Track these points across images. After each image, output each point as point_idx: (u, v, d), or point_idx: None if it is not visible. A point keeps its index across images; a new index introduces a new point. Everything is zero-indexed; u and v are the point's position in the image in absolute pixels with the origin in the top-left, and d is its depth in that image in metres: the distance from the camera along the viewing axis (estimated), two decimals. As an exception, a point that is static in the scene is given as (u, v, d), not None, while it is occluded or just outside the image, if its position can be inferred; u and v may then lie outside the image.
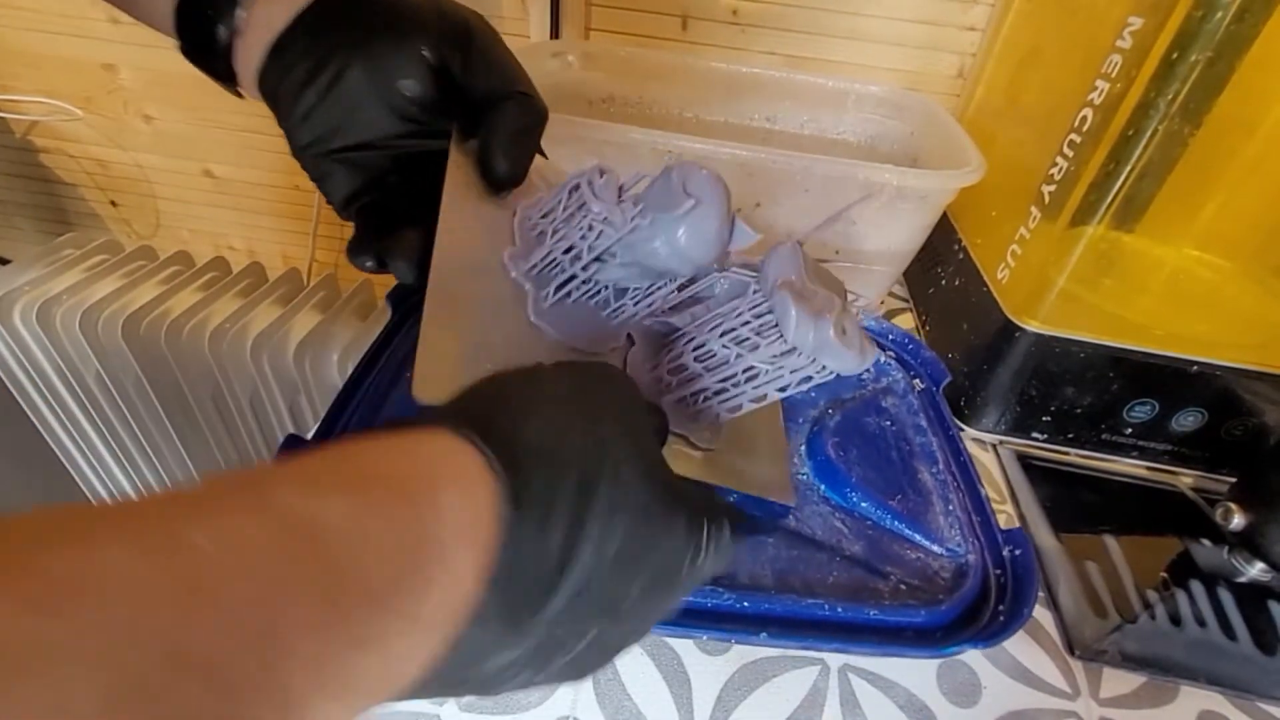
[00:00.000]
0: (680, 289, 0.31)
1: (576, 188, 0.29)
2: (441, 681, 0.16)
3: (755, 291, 0.28)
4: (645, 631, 0.21)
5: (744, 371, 0.28)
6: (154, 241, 0.92)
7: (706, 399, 0.30)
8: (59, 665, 0.09)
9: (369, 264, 0.28)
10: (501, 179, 0.29)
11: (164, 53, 0.83)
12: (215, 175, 0.86)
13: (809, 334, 0.26)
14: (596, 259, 0.28)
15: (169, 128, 0.82)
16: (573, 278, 0.29)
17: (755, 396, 0.29)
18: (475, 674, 0.17)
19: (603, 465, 0.17)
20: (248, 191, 0.87)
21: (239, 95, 0.29)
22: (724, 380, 0.29)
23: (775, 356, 0.27)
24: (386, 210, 0.28)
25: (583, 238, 0.28)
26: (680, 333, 0.31)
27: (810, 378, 0.28)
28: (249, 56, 0.27)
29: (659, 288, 0.30)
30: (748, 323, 0.27)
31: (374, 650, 0.13)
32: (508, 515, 0.15)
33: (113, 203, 0.92)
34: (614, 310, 0.31)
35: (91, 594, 0.10)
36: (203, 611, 0.11)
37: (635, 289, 0.31)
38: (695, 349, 0.29)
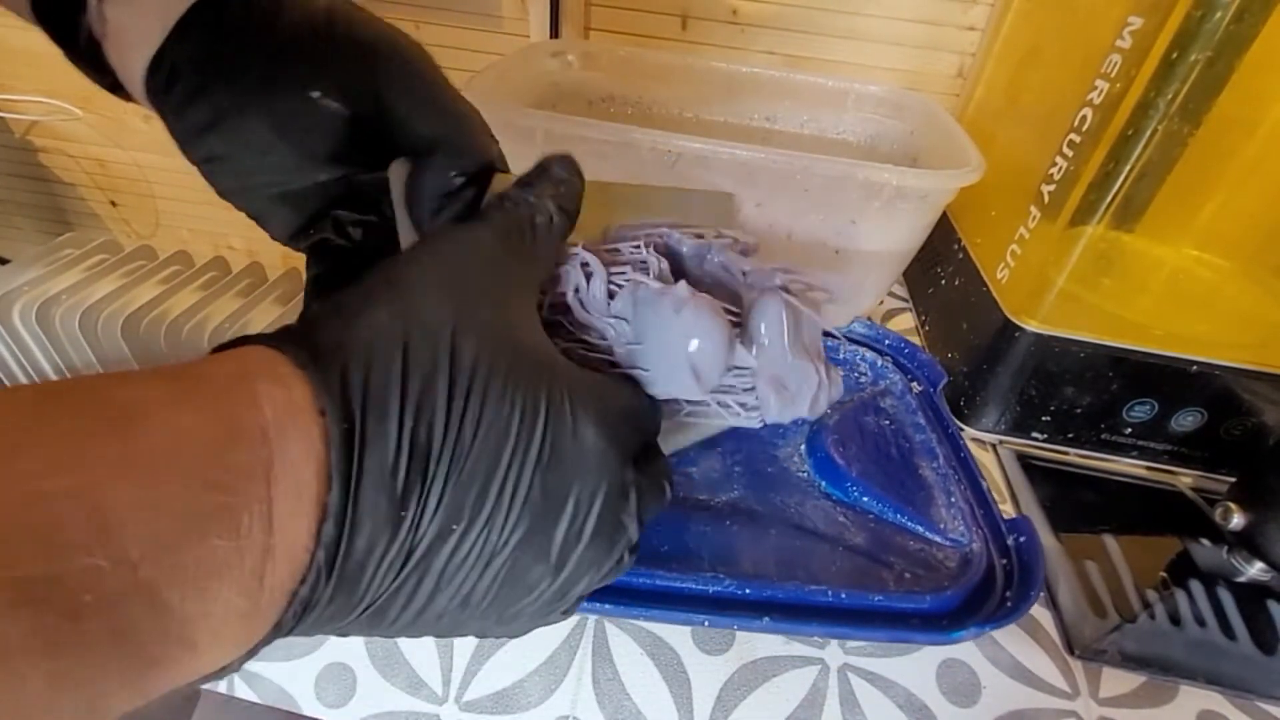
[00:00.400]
0: None
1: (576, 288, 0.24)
2: (345, 598, 0.16)
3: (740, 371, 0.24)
4: (591, 545, 0.19)
5: (719, 405, 0.25)
6: (153, 241, 0.92)
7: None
8: None
9: None
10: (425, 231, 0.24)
11: (163, 52, 0.82)
12: (215, 175, 0.86)
13: (787, 414, 0.24)
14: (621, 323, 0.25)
15: (168, 127, 0.82)
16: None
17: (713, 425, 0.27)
18: (381, 589, 0.16)
19: (436, 338, 0.17)
20: (247, 191, 0.87)
21: (131, 99, 0.25)
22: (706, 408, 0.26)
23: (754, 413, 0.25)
24: (340, 249, 0.25)
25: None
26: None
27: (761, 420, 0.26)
28: (125, 65, 0.23)
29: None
30: (739, 399, 0.25)
31: (219, 529, 0.13)
32: (328, 407, 0.15)
33: (112, 202, 0.92)
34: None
35: None
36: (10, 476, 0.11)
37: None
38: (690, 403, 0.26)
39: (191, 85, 0.22)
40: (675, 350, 0.21)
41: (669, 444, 0.26)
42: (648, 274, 0.23)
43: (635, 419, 0.21)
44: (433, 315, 0.17)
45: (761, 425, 0.25)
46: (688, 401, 0.24)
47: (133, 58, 0.22)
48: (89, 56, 0.24)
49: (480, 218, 0.20)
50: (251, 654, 0.15)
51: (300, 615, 0.15)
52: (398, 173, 0.24)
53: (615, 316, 0.23)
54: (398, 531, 0.16)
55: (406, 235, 0.24)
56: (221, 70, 0.22)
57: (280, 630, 0.15)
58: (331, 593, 0.15)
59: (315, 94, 0.22)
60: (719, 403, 0.24)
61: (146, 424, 0.13)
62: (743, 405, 0.24)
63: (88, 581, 0.11)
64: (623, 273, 0.23)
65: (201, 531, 0.13)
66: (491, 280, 0.19)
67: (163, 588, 0.12)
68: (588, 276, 0.23)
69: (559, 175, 0.22)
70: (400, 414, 0.16)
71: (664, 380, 0.22)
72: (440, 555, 0.17)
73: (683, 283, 0.22)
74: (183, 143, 0.23)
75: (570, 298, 0.23)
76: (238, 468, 0.13)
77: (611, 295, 0.23)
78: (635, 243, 0.24)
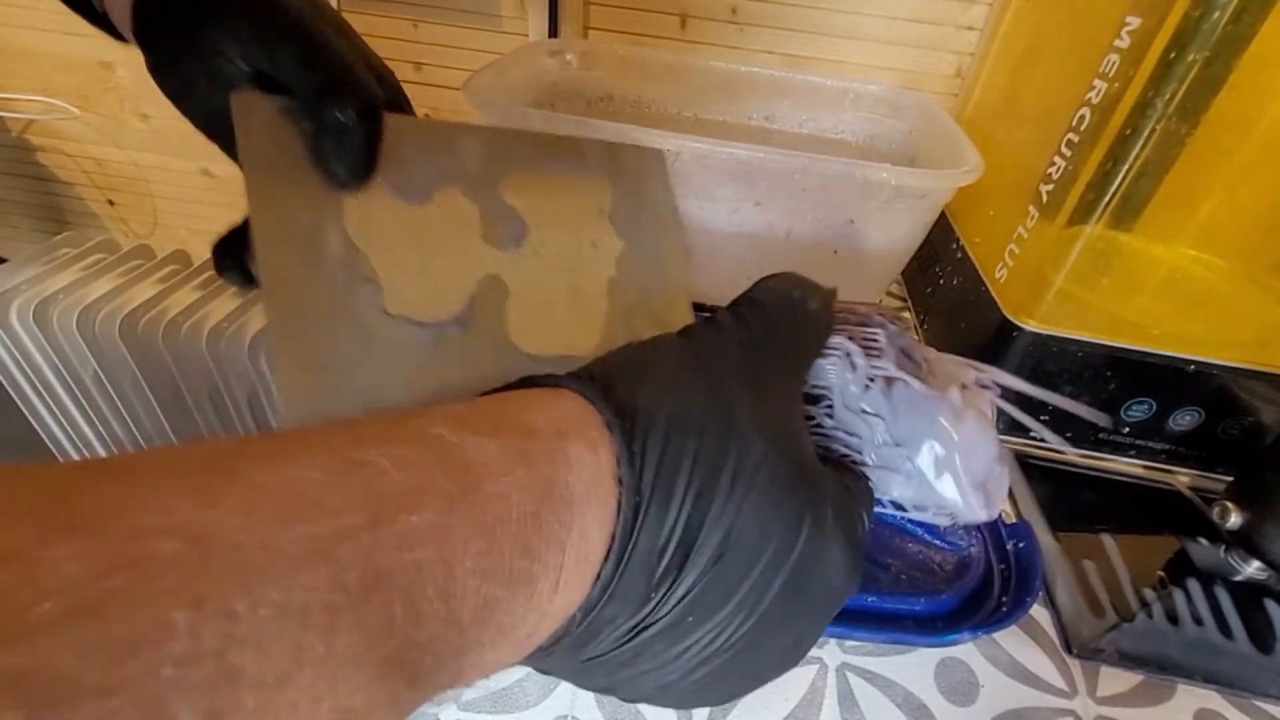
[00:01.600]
0: None
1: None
2: (571, 652, 0.16)
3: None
4: (798, 649, 0.19)
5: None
6: (151, 240, 0.92)
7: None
8: (289, 569, 0.10)
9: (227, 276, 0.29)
10: (345, 182, 0.26)
11: (161, 51, 0.81)
12: (213, 174, 0.86)
13: (986, 514, 0.22)
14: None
15: (166, 126, 0.82)
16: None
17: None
18: (600, 650, 0.16)
19: (730, 430, 0.16)
20: (245, 190, 0.87)
21: (124, 40, 0.30)
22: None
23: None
24: None
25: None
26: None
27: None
28: (119, 19, 0.28)
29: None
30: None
31: (523, 593, 0.13)
32: (626, 477, 0.15)
33: (110, 201, 0.92)
34: None
35: (304, 505, 0.11)
36: (392, 527, 0.11)
37: None
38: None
39: (149, 33, 0.27)
40: (948, 458, 0.20)
41: None
42: (885, 361, 0.21)
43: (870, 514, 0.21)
44: (732, 402, 0.17)
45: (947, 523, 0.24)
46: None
47: (121, 13, 0.28)
48: (103, 20, 0.30)
49: (764, 316, 0.20)
50: None
51: (540, 658, 0.15)
52: (237, 102, 0.26)
53: (870, 413, 0.21)
54: (641, 609, 0.15)
55: (251, 169, 0.26)
56: (162, 29, 0.27)
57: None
58: (565, 649, 0.16)
59: (222, 55, 0.26)
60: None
61: (489, 488, 0.13)
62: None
63: (435, 646, 0.12)
64: (876, 365, 0.21)
65: (510, 596, 0.13)
66: (779, 377, 0.19)
67: (472, 648, 0.13)
68: (852, 367, 0.21)
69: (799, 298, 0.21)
70: (683, 498, 0.15)
71: (927, 488, 0.21)
72: (665, 640, 0.16)
73: (956, 389, 0.21)
74: (152, 74, 0.28)
75: (833, 391, 0.22)
76: (548, 536, 0.14)
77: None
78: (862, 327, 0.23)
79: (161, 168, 0.87)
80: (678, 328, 0.24)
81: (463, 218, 0.28)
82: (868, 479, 0.21)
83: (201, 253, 0.88)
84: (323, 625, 0.10)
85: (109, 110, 0.81)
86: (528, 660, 0.16)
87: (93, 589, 0.08)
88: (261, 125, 0.26)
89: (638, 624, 0.16)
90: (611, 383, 0.16)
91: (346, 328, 0.24)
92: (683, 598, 0.16)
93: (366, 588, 0.11)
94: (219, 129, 0.27)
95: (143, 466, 0.11)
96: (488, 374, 0.24)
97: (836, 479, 0.19)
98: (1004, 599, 0.31)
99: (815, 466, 0.18)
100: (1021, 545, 0.33)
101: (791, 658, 0.19)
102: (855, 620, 0.30)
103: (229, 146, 0.27)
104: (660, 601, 0.16)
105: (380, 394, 0.24)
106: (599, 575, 0.15)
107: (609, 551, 0.15)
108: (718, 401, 0.17)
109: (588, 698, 0.31)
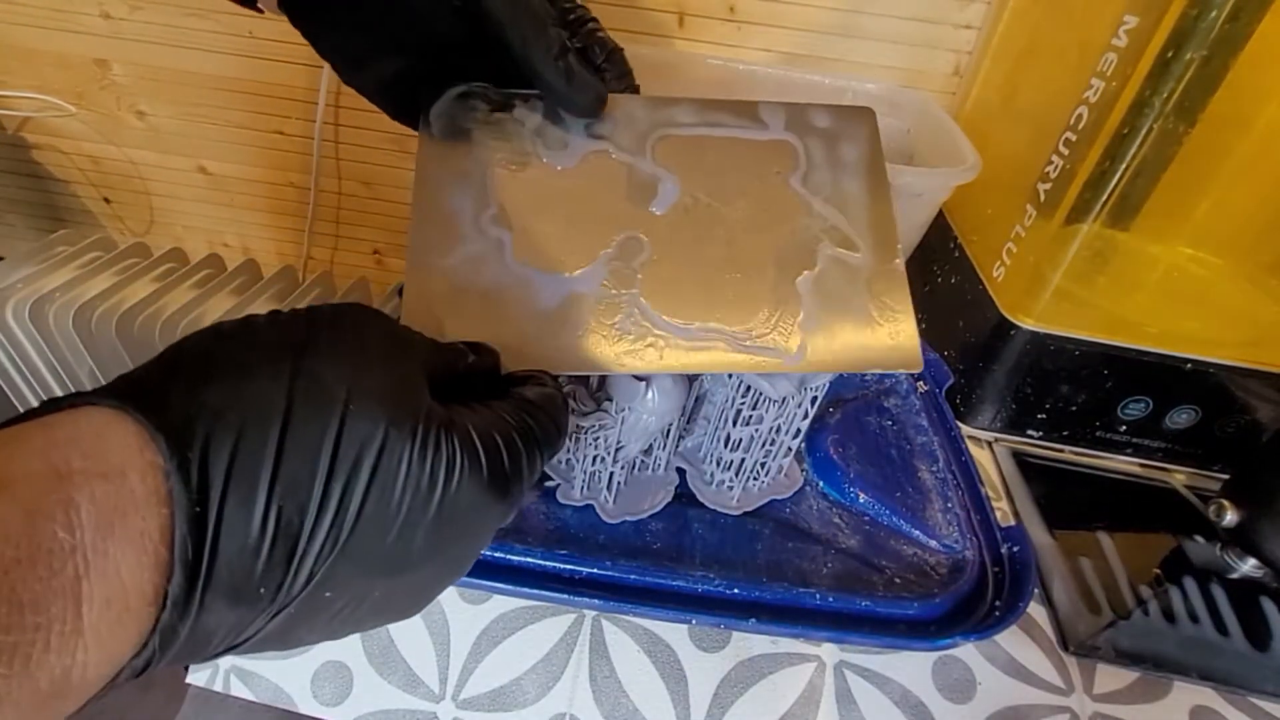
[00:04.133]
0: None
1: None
2: (188, 655, 0.15)
3: (730, 376, 0.31)
4: (459, 570, 0.20)
5: (770, 432, 0.32)
6: (148, 239, 0.92)
7: (764, 466, 0.34)
8: None
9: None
10: (588, 108, 0.28)
11: (157, 48, 0.83)
12: (209, 172, 0.86)
13: (787, 383, 0.29)
14: (617, 451, 0.31)
15: (162, 124, 0.81)
16: (611, 474, 0.33)
17: (792, 437, 0.33)
18: (230, 642, 0.16)
19: (321, 404, 0.15)
20: (242, 188, 0.87)
21: (259, 10, 0.28)
22: (763, 448, 0.33)
23: (780, 410, 0.31)
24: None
25: (596, 447, 0.31)
26: (709, 443, 0.35)
27: (816, 399, 0.31)
28: None
29: (669, 432, 0.33)
30: (743, 402, 0.31)
31: (3, 672, 0.11)
32: (178, 490, 0.14)
33: (106, 199, 0.91)
34: (654, 465, 0.35)
35: None
36: None
37: (654, 444, 0.34)
38: (727, 444, 0.33)
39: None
40: (647, 397, 0.29)
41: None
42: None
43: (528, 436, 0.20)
44: (318, 370, 0.16)
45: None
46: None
47: None
48: None
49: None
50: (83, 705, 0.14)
51: (136, 673, 0.14)
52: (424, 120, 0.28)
53: (603, 405, 0.30)
54: (254, 607, 0.15)
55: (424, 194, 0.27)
56: None
57: (99, 696, 0.14)
58: (173, 658, 0.15)
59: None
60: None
61: None
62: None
63: None
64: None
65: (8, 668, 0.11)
66: (393, 349, 0.18)
67: None
68: (571, 392, 0.30)
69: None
70: (270, 490, 0.14)
71: (654, 416, 0.29)
72: (310, 615, 0.16)
73: None
74: (310, 20, 0.26)
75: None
76: (25, 597, 0.12)
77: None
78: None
79: (158, 165, 0.86)
80: (880, 314, 0.25)
81: (608, 179, 0.28)
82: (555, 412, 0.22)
83: (198, 251, 0.88)
84: None
85: (105, 108, 0.81)
86: (153, 668, 0.15)
87: None
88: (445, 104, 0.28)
89: (264, 615, 0.15)
90: (163, 388, 0.15)
91: (469, 258, 0.26)
92: (308, 582, 0.15)
93: None
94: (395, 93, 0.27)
95: None
96: (609, 334, 0.26)
97: (462, 416, 0.19)
98: (997, 603, 0.31)
99: (430, 411, 0.18)
100: (1016, 549, 0.33)
101: (461, 566, 0.20)
102: (849, 625, 0.30)
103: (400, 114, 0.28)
104: (281, 591, 0.15)
105: (493, 328, 0.25)
106: (166, 600, 0.14)
107: (170, 573, 0.14)
108: (306, 375, 0.16)
109: (585, 695, 0.31)
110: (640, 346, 0.26)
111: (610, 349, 0.26)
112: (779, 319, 0.27)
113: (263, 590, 0.15)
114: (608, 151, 0.29)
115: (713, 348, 0.26)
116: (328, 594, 0.16)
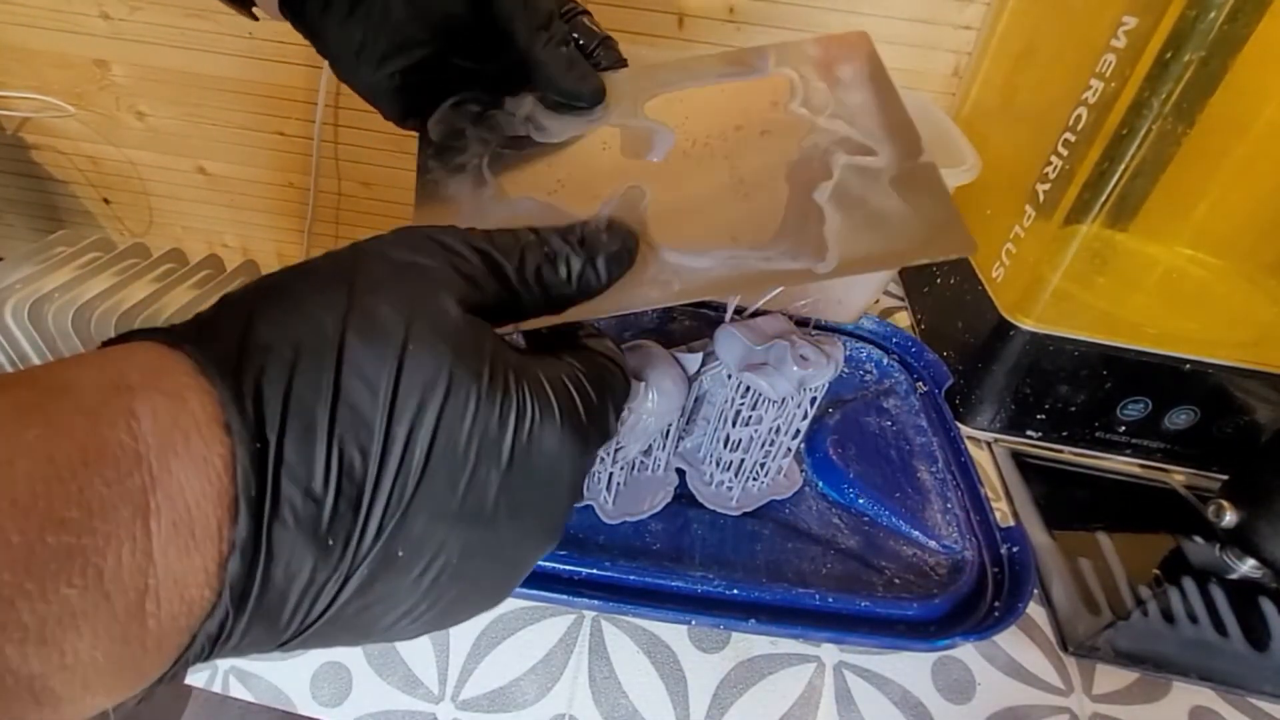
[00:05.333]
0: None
1: None
2: (265, 626, 0.14)
3: (729, 377, 0.32)
4: (544, 534, 0.18)
5: (770, 432, 0.32)
6: (147, 239, 0.92)
7: (763, 467, 0.35)
8: None
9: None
10: (590, 98, 0.28)
11: (156, 48, 0.82)
12: (208, 172, 0.86)
13: (786, 384, 0.30)
14: (616, 452, 0.31)
15: (161, 124, 0.81)
16: (611, 475, 0.33)
17: (792, 437, 0.33)
18: (311, 613, 0.14)
19: (378, 340, 0.14)
20: (241, 188, 0.87)
21: (254, 17, 0.28)
22: (762, 448, 0.33)
23: (779, 410, 0.31)
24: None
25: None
26: (709, 443, 0.36)
27: (815, 399, 0.32)
28: None
29: (669, 433, 0.34)
30: (742, 403, 0.32)
31: (67, 580, 0.11)
32: (235, 422, 0.13)
33: (105, 200, 0.91)
34: (653, 465, 0.36)
35: None
36: None
37: (654, 445, 0.34)
38: (726, 444, 0.33)
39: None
40: (647, 398, 0.28)
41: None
42: None
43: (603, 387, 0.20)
44: (380, 310, 0.15)
45: None
46: None
47: None
48: None
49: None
50: (154, 687, 0.14)
51: (210, 649, 0.14)
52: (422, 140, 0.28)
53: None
54: (325, 561, 0.14)
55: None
56: None
57: (185, 663, 0.13)
58: (247, 624, 0.14)
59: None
60: None
61: None
62: None
63: None
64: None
65: (40, 580, 0.11)
66: (453, 282, 0.17)
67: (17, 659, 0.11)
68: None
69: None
70: (330, 431, 0.14)
71: (653, 417, 0.29)
72: (387, 581, 0.15)
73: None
74: (310, 21, 0.26)
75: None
76: (93, 502, 0.11)
77: None
78: None
79: (157, 166, 0.86)
80: (915, 207, 0.24)
81: (602, 143, 0.28)
82: (615, 366, 0.21)
83: (197, 251, 0.88)
84: None
85: (104, 108, 0.81)
86: (231, 652, 0.14)
87: None
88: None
89: (337, 575, 0.14)
90: (215, 322, 0.15)
91: (474, 197, 0.27)
92: (379, 535, 0.14)
93: None
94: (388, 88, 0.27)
95: None
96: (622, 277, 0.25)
97: (531, 364, 0.18)
98: (997, 603, 0.31)
99: (499, 353, 0.17)
100: (1015, 550, 0.33)
101: (545, 529, 0.18)
102: (848, 625, 0.30)
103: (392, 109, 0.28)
104: (350, 548, 0.14)
105: None
106: (233, 541, 0.13)
107: (235, 512, 0.13)
108: (360, 311, 0.15)
109: (585, 696, 0.31)
110: (658, 279, 0.24)
111: (627, 290, 0.23)
112: (802, 231, 0.25)
113: (331, 541, 0.14)
114: (599, 122, 0.29)
115: (735, 269, 0.24)
116: (400, 552, 0.15)
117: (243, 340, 0.14)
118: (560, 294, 0.20)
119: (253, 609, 0.13)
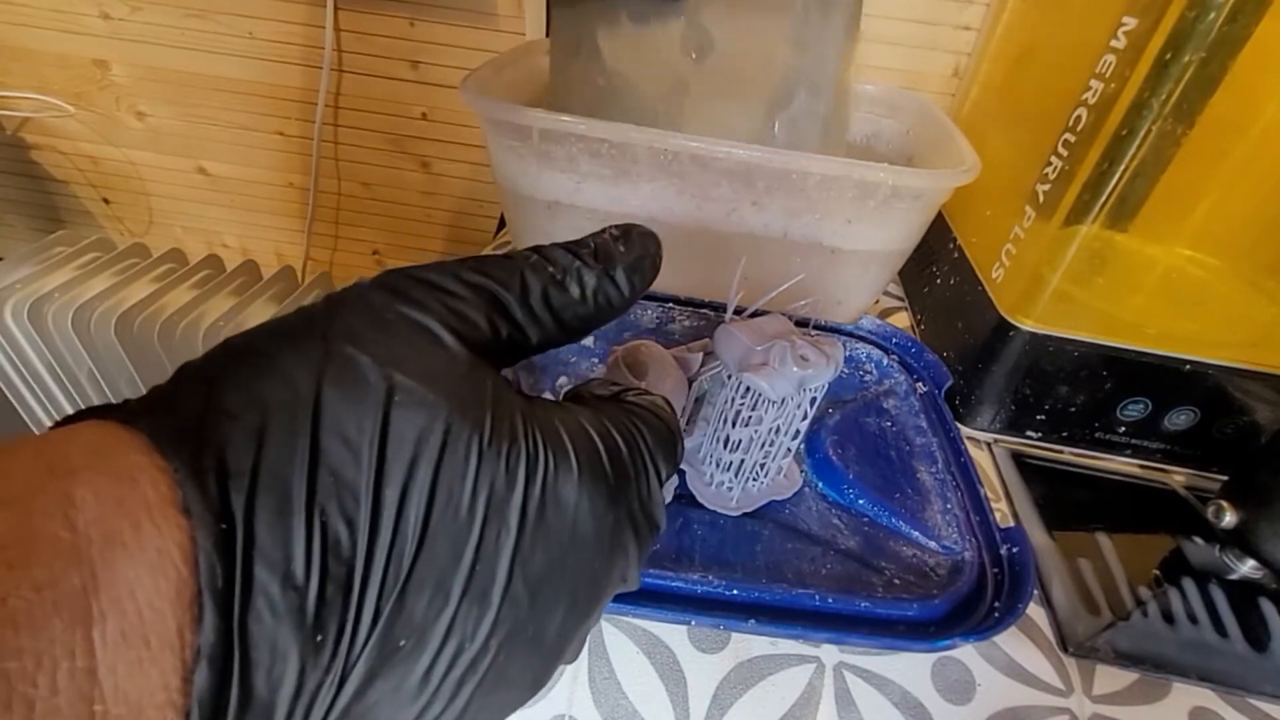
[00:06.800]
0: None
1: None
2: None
3: (729, 377, 0.32)
4: (579, 609, 0.16)
5: (769, 433, 0.32)
6: (146, 239, 0.92)
7: (763, 467, 0.35)
8: None
9: None
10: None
11: (156, 48, 0.83)
12: (209, 172, 0.86)
13: (786, 384, 0.30)
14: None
15: (161, 124, 0.82)
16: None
17: (791, 438, 0.33)
18: (298, 704, 0.12)
19: (359, 390, 0.13)
20: (241, 189, 0.87)
21: None
22: (762, 449, 0.33)
23: (779, 411, 0.31)
24: None
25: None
26: (709, 444, 0.36)
27: (815, 399, 0.32)
28: None
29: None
30: (742, 403, 0.32)
31: (20, 714, 0.09)
32: (194, 502, 0.11)
33: (105, 200, 0.91)
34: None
35: None
36: None
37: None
38: (726, 445, 0.33)
39: None
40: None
41: None
42: None
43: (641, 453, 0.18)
44: (359, 359, 0.13)
45: None
46: None
47: None
48: None
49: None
50: None
51: None
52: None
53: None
54: (315, 661, 0.12)
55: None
56: None
57: None
58: None
59: None
60: None
61: None
62: None
63: None
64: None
65: None
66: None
67: None
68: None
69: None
70: (308, 503, 0.12)
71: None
72: (389, 678, 0.13)
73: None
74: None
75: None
76: (19, 614, 0.09)
77: None
78: None
79: (157, 166, 0.86)
80: (830, 112, 0.31)
81: (672, 37, 0.42)
82: (665, 418, 0.19)
83: (197, 251, 0.88)
84: None
85: (104, 108, 0.81)
86: None
87: None
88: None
89: (331, 676, 0.12)
90: (173, 393, 0.13)
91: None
92: (375, 621, 0.12)
93: None
94: None
95: None
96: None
97: (549, 411, 0.16)
98: (997, 604, 0.31)
99: (506, 402, 0.15)
100: (1015, 550, 0.33)
101: (580, 602, 0.16)
102: (848, 625, 0.30)
103: None
104: (345, 636, 0.12)
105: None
106: (199, 647, 0.11)
107: (200, 610, 0.11)
108: (337, 360, 0.13)
109: (584, 696, 0.31)
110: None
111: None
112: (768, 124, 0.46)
113: (320, 636, 0.12)
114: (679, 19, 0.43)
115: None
116: (402, 641, 0.13)
117: (204, 408, 0.12)
118: (576, 315, 0.18)
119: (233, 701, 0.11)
